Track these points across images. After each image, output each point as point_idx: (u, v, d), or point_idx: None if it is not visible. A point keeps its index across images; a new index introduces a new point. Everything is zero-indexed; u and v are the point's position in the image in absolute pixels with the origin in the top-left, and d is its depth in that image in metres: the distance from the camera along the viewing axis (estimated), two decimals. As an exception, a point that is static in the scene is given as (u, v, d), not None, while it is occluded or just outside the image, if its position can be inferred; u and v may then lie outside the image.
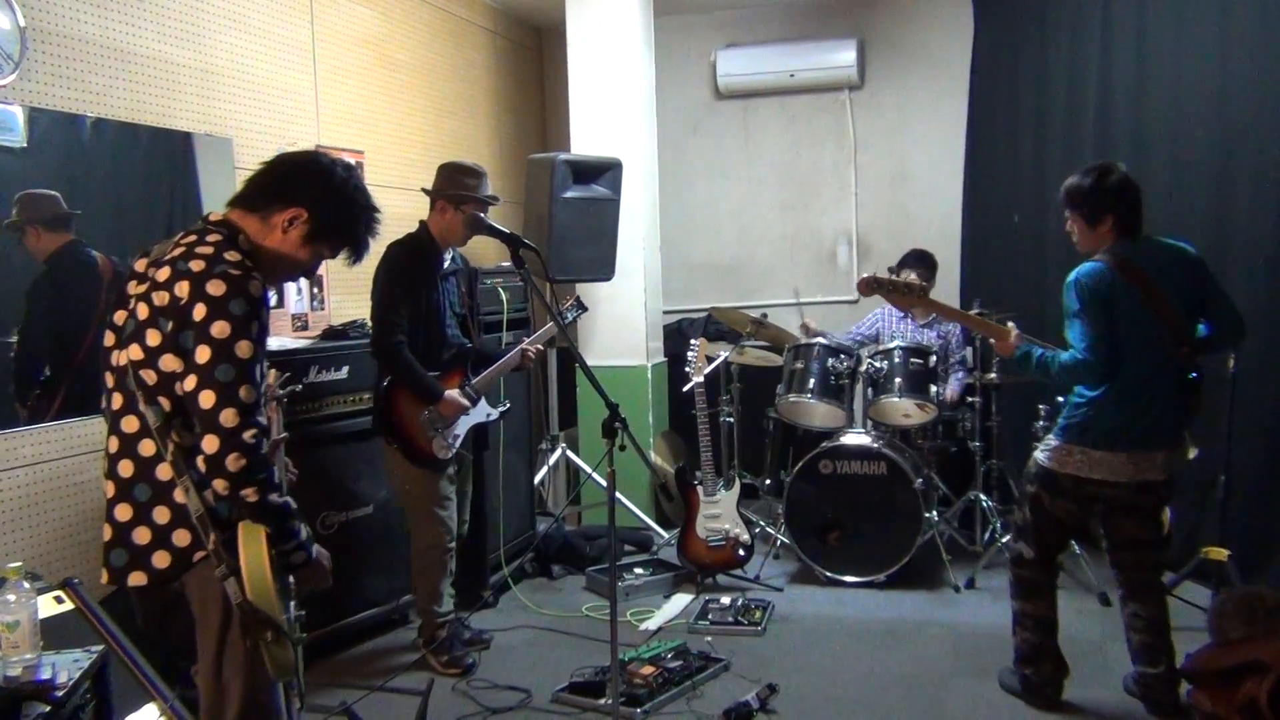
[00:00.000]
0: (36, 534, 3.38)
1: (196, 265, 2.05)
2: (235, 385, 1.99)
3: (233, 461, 1.97)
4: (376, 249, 3.87)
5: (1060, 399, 3.46)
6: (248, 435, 1.99)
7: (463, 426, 4.02)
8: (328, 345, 4.24)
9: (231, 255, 2.09)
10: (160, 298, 2.05)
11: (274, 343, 4.16)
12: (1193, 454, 3.41)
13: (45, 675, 2.34)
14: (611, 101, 5.80)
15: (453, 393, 3.93)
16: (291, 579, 2.26)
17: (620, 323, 5.84)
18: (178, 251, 2.10)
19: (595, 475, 5.36)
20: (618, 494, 3.33)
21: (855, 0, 6.60)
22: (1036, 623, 3.51)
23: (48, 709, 2.28)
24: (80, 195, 3.53)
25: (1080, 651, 3.78)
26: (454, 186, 3.92)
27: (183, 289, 2.03)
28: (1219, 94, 4.60)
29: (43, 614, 2.66)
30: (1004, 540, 4.80)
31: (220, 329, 2.00)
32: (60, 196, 3.43)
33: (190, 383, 2.01)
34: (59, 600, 2.90)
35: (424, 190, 4.01)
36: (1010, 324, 3.47)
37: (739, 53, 6.70)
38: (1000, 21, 6.01)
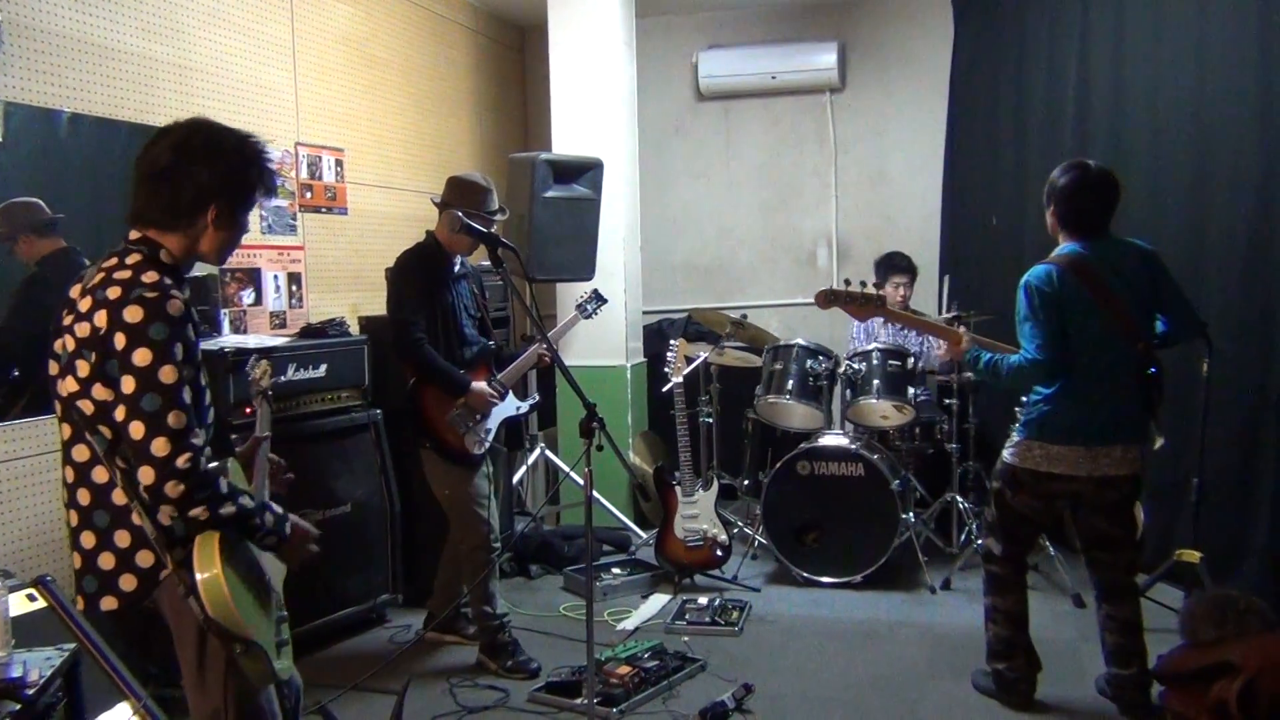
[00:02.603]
0: (8, 531, 3.35)
1: (113, 292, 2.00)
2: (163, 413, 1.96)
3: (171, 489, 1.96)
4: (389, 254, 3.89)
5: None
6: (181, 461, 1.96)
7: (494, 420, 4.03)
8: (306, 343, 4.22)
9: (149, 276, 2.04)
10: (82, 329, 2.01)
11: (251, 340, 4.15)
12: (1159, 443, 3.47)
13: (16, 673, 2.32)
14: (593, 101, 5.80)
15: (480, 384, 3.93)
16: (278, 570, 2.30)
17: (600, 323, 5.80)
18: (98, 278, 2.06)
19: (573, 475, 5.36)
20: (596, 494, 3.33)
21: (837, 3, 6.63)
22: (1007, 617, 3.54)
23: (18, 707, 2.26)
24: (57, 191, 3.51)
25: (1054, 653, 3.81)
26: (463, 201, 3.89)
27: (101, 319, 1.99)
28: (1196, 97, 4.63)
29: (14, 612, 2.65)
30: (979, 540, 4.83)
31: (142, 356, 1.96)
32: (43, 203, 3.45)
33: (120, 413, 1.98)
34: (31, 598, 2.88)
35: (433, 202, 4.00)
36: (962, 328, 3.54)
37: (721, 54, 6.71)
38: (980, 25, 6.04)
